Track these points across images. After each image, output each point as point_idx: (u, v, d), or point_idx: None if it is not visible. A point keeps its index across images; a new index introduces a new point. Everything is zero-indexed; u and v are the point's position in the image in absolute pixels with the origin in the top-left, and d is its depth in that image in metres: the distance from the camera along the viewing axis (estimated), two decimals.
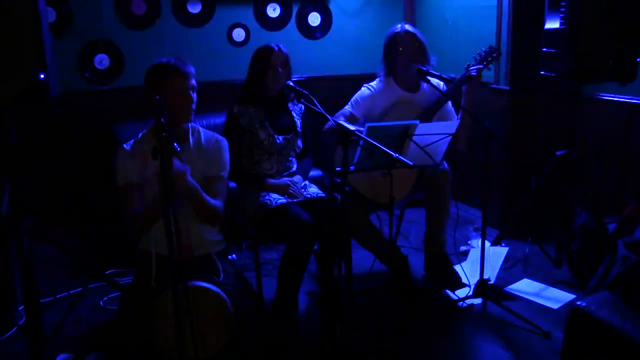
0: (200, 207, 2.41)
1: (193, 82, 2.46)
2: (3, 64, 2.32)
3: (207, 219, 2.48)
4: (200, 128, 2.58)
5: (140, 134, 2.52)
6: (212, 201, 2.43)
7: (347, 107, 3.20)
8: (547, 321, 2.85)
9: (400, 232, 3.73)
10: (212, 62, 4.23)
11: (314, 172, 3.67)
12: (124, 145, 2.48)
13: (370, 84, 3.26)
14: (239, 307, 2.33)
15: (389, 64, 3.22)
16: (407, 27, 3.18)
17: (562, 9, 2.99)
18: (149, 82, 2.43)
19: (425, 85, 3.21)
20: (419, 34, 3.16)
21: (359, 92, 3.24)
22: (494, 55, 3.11)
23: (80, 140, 3.94)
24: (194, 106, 2.47)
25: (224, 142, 2.58)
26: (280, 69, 2.96)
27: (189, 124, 2.52)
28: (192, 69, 2.46)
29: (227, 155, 2.57)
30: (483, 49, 3.13)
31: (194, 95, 2.47)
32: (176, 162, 2.24)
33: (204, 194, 2.40)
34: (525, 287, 3.25)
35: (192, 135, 2.52)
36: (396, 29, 3.19)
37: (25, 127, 3.65)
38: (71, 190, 3.93)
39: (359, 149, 2.51)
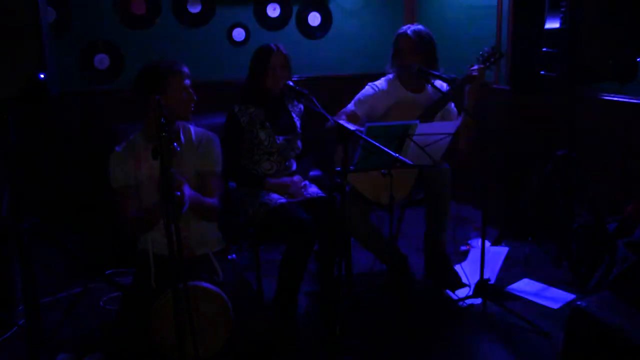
0: (198, 210, 2.42)
1: (189, 80, 2.48)
2: (3, 64, 2.32)
3: (205, 217, 2.49)
4: (190, 125, 2.58)
5: (132, 136, 2.52)
6: (209, 201, 2.45)
7: (350, 105, 3.19)
8: (547, 321, 2.85)
9: (400, 232, 3.73)
10: (212, 62, 4.23)
11: (314, 172, 3.66)
12: (117, 148, 2.48)
13: (375, 83, 3.26)
14: (239, 307, 2.32)
15: (393, 64, 3.22)
16: (412, 29, 3.15)
17: (562, 9, 2.99)
18: (147, 85, 2.40)
19: (429, 86, 3.21)
20: (425, 37, 3.13)
21: (363, 90, 3.24)
22: (497, 56, 3.11)
23: (80, 140, 3.94)
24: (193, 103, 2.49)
25: (215, 138, 2.59)
26: (279, 70, 2.95)
27: (179, 122, 2.53)
28: (187, 69, 2.49)
29: (219, 151, 2.58)
30: (486, 49, 3.13)
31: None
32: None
33: (201, 198, 2.41)
34: (525, 287, 3.25)
35: (184, 133, 2.52)
36: (402, 30, 3.18)
37: (25, 127, 3.66)
38: (71, 190, 3.93)
39: (359, 148, 2.51)
